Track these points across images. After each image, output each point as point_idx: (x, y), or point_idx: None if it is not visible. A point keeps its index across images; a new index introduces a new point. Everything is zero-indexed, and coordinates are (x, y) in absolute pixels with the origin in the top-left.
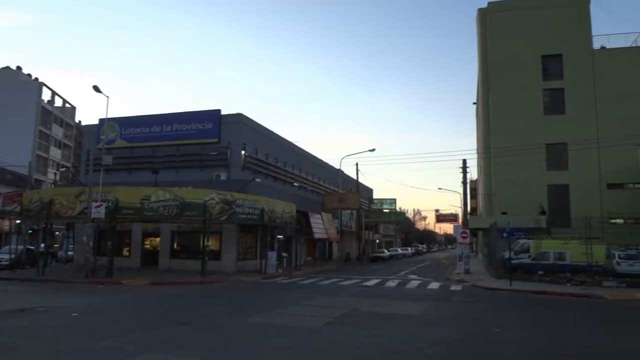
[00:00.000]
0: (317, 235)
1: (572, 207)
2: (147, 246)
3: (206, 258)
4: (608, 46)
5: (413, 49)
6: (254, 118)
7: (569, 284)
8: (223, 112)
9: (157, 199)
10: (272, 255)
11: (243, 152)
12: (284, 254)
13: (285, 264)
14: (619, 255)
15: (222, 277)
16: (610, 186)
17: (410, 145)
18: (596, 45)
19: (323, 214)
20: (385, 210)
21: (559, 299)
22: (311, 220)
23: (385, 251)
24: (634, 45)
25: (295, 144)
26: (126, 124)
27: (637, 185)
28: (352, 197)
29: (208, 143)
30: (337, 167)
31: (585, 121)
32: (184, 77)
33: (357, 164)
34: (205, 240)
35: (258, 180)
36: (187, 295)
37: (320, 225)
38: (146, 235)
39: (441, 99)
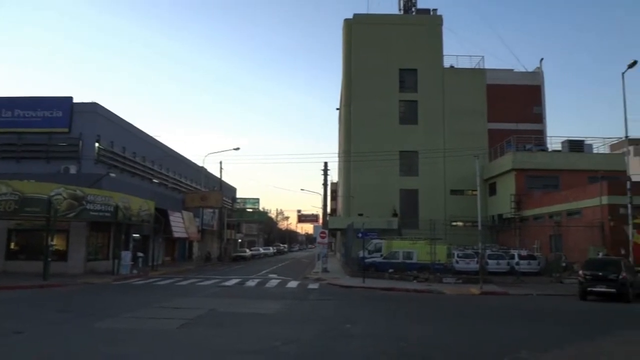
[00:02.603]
0: (176, 234)
1: (420, 210)
2: None
3: (49, 259)
4: (456, 66)
5: (284, 51)
6: (117, 112)
7: (415, 281)
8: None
9: None
10: (126, 255)
11: (97, 144)
12: (140, 254)
13: (141, 265)
14: (457, 254)
15: (68, 280)
16: (453, 192)
17: (275, 146)
18: (446, 64)
19: (184, 212)
20: (248, 210)
21: (405, 295)
22: (171, 218)
23: (247, 251)
24: (476, 67)
25: (157, 138)
26: None
27: (474, 192)
28: (214, 195)
29: (56, 133)
30: (201, 164)
31: (434, 132)
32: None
33: (220, 162)
34: (50, 239)
35: (113, 175)
36: (24, 300)
37: (181, 223)
38: None
39: (309, 102)
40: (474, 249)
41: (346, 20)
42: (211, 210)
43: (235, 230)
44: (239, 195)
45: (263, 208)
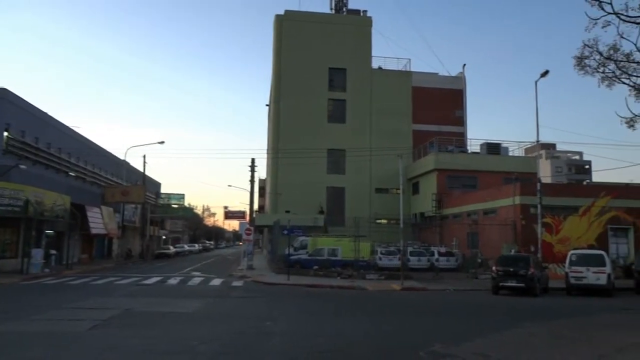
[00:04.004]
0: (94, 231)
1: (346, 207)
2: None
3: None
4: (384, 67)
5: (213, 46)
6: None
7: (339, 278)
8: None
9: None
10: (38, 253)
11: (6, 133)
12: (53, 252)
13: (54, 263)
14: (381, 251)
15: None
16: (378, 190)
17: (202, 141)
18: (375, 65)
19: (103, 207)
20: (173, 206)
21: (329, 291)
22: (88, 214)
23: (171, 248)
24: (403, 69)
25: (76, 129)
26: None
27: (397, 191)
28: (137, 190)
29: None
30: (123, 158)
31: (361, 131)
32: None
33: (144, 156)
34: None
35: (23, 167)
36: None
37: (99, 219)
38: None
39: (238, 98)
40: (396, 246)
41: (277, 16)
42: (133, 205)
43: (159, 227)
44: (163, 190)
45: (189, 204)
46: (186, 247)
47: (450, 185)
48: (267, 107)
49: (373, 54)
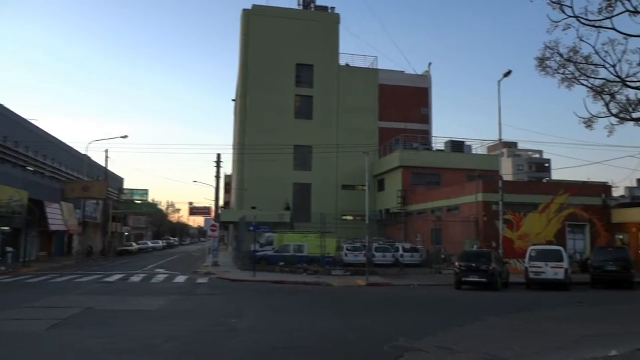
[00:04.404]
0: (53, 227)
1: (313, 204)
2: None
3: None
4: (351, 64)
5: (178, 39)
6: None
7: (305, 274)
8: None
9: None
10: None
11: None
12: (10, 249)
13: (10, 261)
14: (346, 247)
15: None
16: (344, 187)
17: (168, 136)
18: (342, 62)
19: (63, 203)
20: (136, 202)
21: (295, 288)
22: (47, 210)
23: (134, 244)
24: (370, 67)
25: (34, 122)
26: None
27: (363, 188)
28: (98, 185)
29: None
30: (85, 152)
31: (328, 128)
32: None
33: (106, 151)
34: None
35: None
36: None
37: (59, 215)
38: None
39: (204, 93)
40: (362, 242)
41: (245, 11)
42: (95, 201)
43: (121, 223)
44: (126, 186)
45: (153, 200)
46: (150, 244)
47: (415, 182)
48: (234, 103)
49: (340, 51)
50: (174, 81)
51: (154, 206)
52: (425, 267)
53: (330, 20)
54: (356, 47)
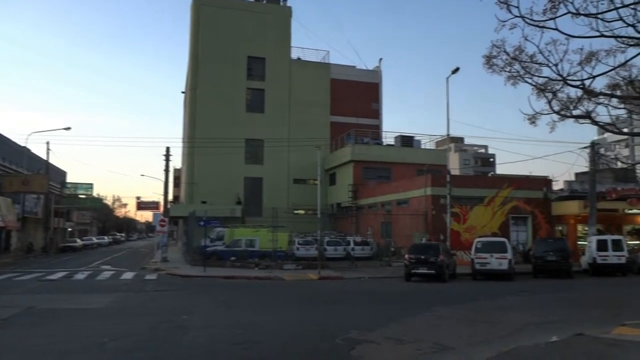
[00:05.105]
0: None
1: (264, 198)
2: None
3: None
4: (303, 58)
5: (125, 29)
6: None
7: (256, 268)
8: None
9: None
10: None
11: None
12: None
13: None
14: (298, 241)
15: None
16: (296, 181)
17: (114, 128)
18: (294, 55)
19: (0, 197)
20: (81, 196)
21: (246, 283)
22: None
23: (78, 240)
24: (322, 61)
25: None
26: None
27: (315, 182)
28: (39, 179)
29: None
30: (24, 144)
31: (280, 121)
32: None
33: (47, 143)
34: None
35: None
36: None
37: None
38: None
39: (152, 84)
40: (314, 236)
41: (195, 1)
42: (35, 195)
43: (64, 219)
44: (69, 179)
45: (98, 194)
46: (95, 240)
47: (366, 176)
48: (184, 95)
49: (292, 44)
50: (121, 72)
51: (99, 201)
52: (375, 259)
53: (282, 13)
54: (308, 41)
